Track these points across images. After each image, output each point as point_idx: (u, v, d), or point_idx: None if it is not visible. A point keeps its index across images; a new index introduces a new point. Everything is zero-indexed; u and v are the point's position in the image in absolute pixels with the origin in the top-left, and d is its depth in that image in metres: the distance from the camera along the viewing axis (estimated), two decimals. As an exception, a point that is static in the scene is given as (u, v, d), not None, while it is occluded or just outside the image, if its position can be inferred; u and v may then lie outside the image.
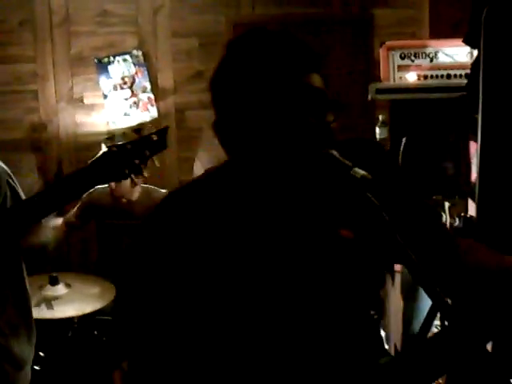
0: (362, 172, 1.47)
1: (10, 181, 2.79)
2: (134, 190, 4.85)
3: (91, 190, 4.33)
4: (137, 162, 2.54)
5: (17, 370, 2.81)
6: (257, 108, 1.53)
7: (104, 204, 4.87)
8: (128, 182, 4.45)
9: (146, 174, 2.65)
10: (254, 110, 1.54)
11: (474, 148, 4.11)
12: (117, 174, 2.55)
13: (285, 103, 1.52)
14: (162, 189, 5.00)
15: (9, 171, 2.81)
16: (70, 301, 3.97)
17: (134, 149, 2.54)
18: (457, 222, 3.69)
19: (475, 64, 3.18)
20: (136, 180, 4.50)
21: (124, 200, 4.88)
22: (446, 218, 4.00)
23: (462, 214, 3.66)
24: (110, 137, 2.60)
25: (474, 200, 3.26)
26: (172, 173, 6.12)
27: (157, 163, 2.66)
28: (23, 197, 2.79)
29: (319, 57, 1.61)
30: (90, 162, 2.55)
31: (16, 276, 2.80)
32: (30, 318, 2.89)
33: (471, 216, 3.45)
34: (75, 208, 4.73)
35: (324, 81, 1.59)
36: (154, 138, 2.55)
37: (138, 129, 2.61)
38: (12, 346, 2.78)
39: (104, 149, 2.55)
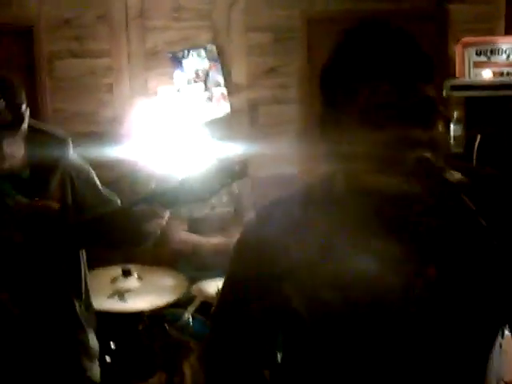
0: (457, 175, 1.42)
1: (90, 176, 2.91)
2: None
3: None
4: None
5: (92, 362, 2.90)
6: (363, 107, 1.47)
7: None
8: None
9: None
10: (360, 109, 1.47)
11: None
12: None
13: (391, 109, 1.45)
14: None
15: (83, 166, 2.87)
16: (143, 293, 3.99)
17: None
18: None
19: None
20: None
21: None
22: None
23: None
24: None
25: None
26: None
27: None
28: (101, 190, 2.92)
29: (433, 65, 1.55)
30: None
31: (80, 270, 2.87)
32: (93, 310, 2.97)
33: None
34: None
35: (436, 91, 1.51)
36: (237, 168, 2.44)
37: None
38: (90, 339, 2.88)
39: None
